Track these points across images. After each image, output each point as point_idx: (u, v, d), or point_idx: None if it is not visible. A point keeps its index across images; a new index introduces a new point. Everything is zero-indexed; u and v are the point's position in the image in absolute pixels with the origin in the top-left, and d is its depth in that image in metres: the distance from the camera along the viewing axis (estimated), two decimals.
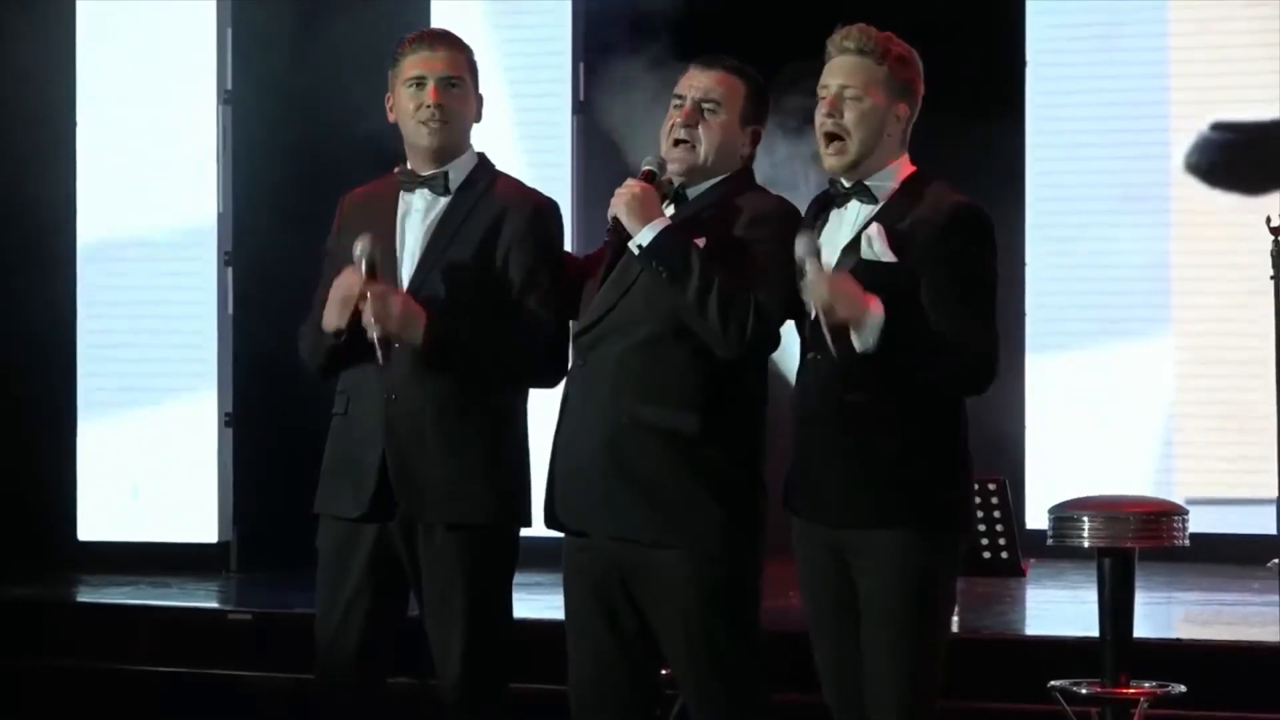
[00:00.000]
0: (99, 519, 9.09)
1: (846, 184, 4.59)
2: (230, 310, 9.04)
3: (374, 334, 4.77)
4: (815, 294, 4.39)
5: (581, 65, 9.30)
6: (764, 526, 4.68)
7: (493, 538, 4.89)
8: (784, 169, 6.78)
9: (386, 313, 4.76)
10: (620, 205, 4.65)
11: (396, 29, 5.11)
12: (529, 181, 5.09)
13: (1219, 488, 8.97)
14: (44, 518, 9.06)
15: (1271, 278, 7.26)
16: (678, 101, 4.76)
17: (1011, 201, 9.12)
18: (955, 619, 5.65)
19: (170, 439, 9.02)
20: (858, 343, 4.40)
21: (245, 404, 9.00)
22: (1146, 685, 5.59)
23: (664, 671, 4.78)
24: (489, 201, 4.93)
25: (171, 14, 9.09)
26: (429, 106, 4.92)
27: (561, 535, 4.79)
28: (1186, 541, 5.64)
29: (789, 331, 4.69)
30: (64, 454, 9.11)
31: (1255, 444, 8.43)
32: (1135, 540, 5.54)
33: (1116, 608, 5.58)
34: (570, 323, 4.86)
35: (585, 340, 4.74)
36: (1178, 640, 6.61)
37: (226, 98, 9.07)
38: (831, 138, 4.57)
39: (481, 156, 5.03)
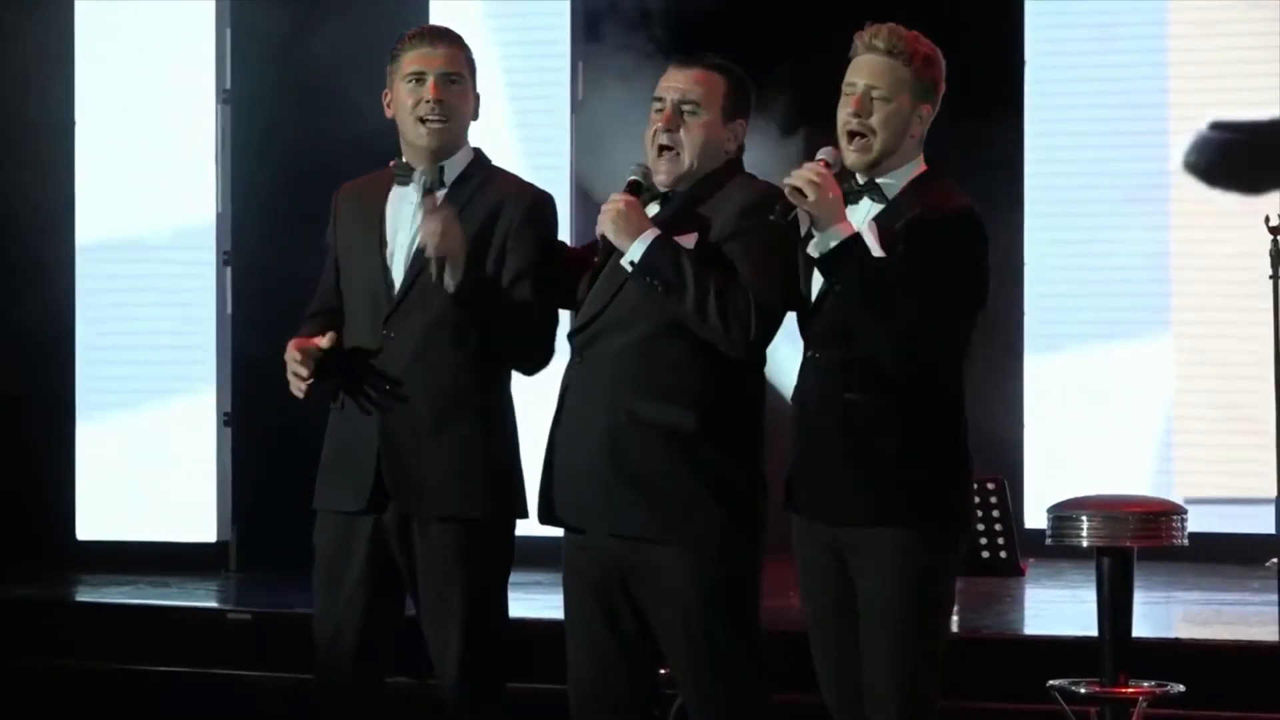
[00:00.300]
0: (98, 518, 9.09)
1: (860, 181, 4.59)
2: (229, 310, 9.04)
3: (430, 252, 4.76)
4: (801, 175, 4.40)
5: (580, 64, 9.30)
6: (764, 526, 4.67)
7: (488, 534, 4.89)
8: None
9: (442, 233, 4.74)
10: (607, 223, 4.64)
11: (395, 29, 5.10)
12: (527, 179, 5.09)
13: (1218, 487, 8.97)
14: (43, 517, 9.07)
15: (1270, 277, 7.25)
16: (658, 105, 4.73)
17: (1010, 201, 9.12)
18: (955, 619, 5.66)
19: (169, 438, 9.02)
20: (814, 246, 4.41)
21: (244, 403, 9.00)
22: (1145, 685, 5.60)
23: (663, 671, 4.78)
24: (485, 195, 4.93)
25: (170, 14, 9.09)
26: (428, 102, 4.92)
27: (560, 534, 4.79)
28: (1185, 541, 5.64)
29: (787, 333, 4.68)
30: (63, 453, 9.12)
31: (1254, 443, 8.42)
32: (1134, 540, 5.54)
33: (1115, 607, 5.58)
34: (564, 316, 4.85)
35: (581, 338, 4.73)
36: (1177, 640, 6.61)
37: (225, 97, 9.07)
38: (855, 134, 4.57)
39: (477, 152, 5.03)
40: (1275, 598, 7.16)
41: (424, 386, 4.86)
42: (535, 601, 6.68)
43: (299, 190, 8.39)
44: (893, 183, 4.58)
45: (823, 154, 4.54)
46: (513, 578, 4.97)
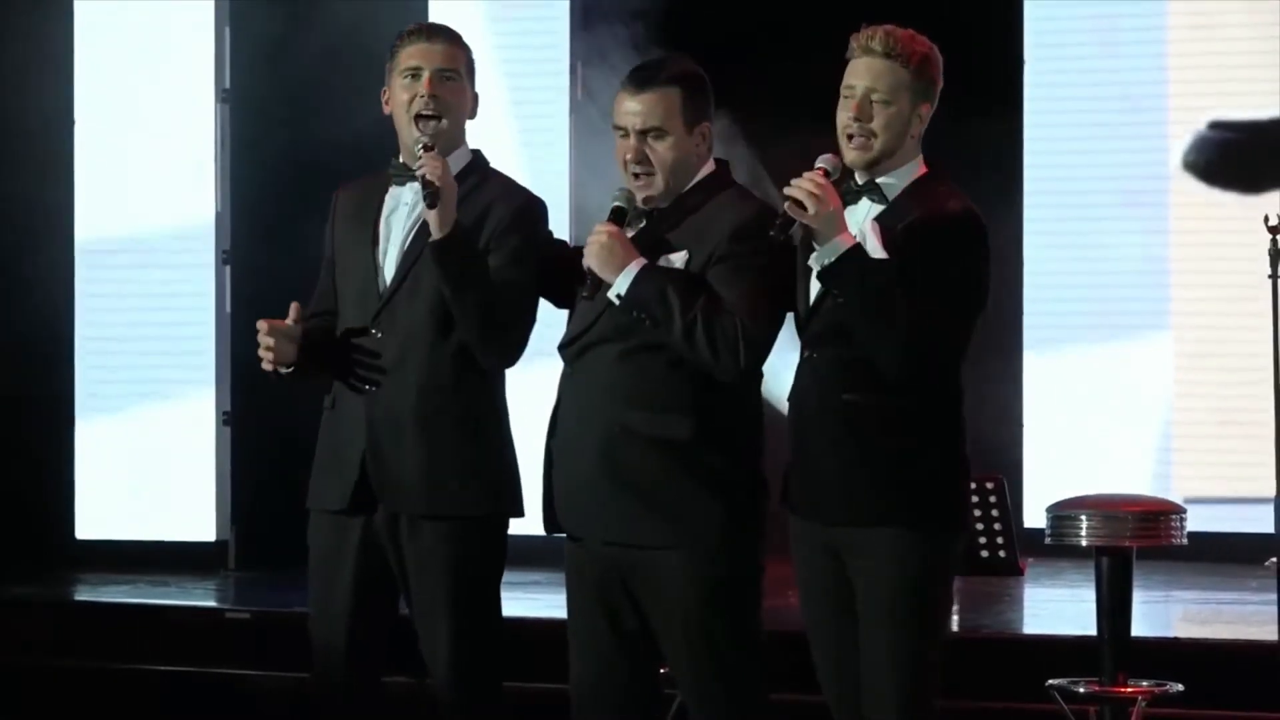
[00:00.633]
0: (97, 518, 9.10)
1: (859, 182, 4.59)
2: (228, 309, 9.04)
3: (423, 173, 4.75)
4: (801, 187, 4.39)
5: (580, 64, 9.29)
6: (765, 525, 4.67)
7: (478, 532, 4.88)
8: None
9: (439, 169, 4.74)
10: (592, 258, 4.62)
11: (395, 29, 5.11)
12: (526, 181, 5.08)
13: (1217, 487, 8.96)
14: (42, 516, 9.07)
15: (1269, 276, 7.25)
16: (620, 132, 4.70)
17: (1009, 200, 9.12)
18: (954, 618, 5.66)
19: (168, 438, 9.02)
20: (814, 259, 4.40)
21: (243, 403, 9.01)
22: (1144, 684, 5.60)
23: (663, 670, 4.78)
24: (477, 197, 4.92)
25: (169, 14, 9.10)
26: (423, 96, 4.91)
27: (560, 534, 4.79)
28: (1184, 540, 5.64)
29: (786, 337, 4.68)
30: (62, 453, 9.12)
31: (1253, 443, 8.42)
32: (1133, 539, 5.54)
33: (1114, 607, 5.58)
34: (561, 320, 4.85)
35: (572, 350, 4.73)
36: (1175, 639, 6.62)
37: (224, 97, 9.08)
38: (855, 137, 4.57)
39: (476, 153, 5.02)
40: (1274, 597, 7.15)
41: (410, 384, 4.86)
42: (535, 601, 6.69)
43: (298, 189, 8.40)
44: (893, 183, 4.57)
45: (821, 162, 4.54)
46: (513, 578, 4.97)
